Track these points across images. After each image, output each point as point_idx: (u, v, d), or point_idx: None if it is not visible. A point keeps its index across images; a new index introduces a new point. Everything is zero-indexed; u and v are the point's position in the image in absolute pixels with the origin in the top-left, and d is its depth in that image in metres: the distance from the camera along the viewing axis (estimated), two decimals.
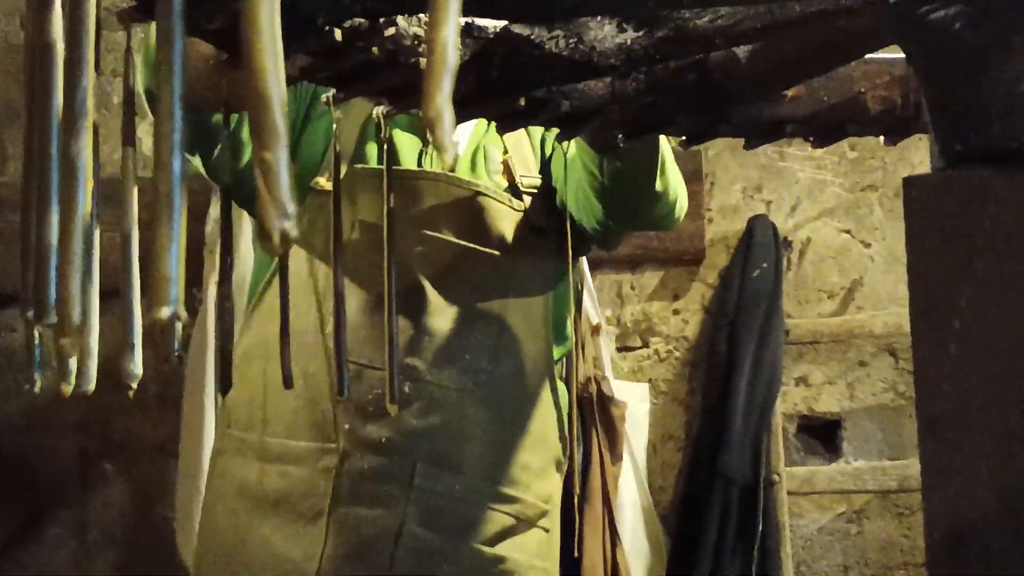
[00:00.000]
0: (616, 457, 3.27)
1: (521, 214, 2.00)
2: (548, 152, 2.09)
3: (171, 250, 0.72)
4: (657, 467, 3.42)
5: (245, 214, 3.22)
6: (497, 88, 1.30)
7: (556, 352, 2.09)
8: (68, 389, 0.98)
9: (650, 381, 3.46)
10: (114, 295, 1.12)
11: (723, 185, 3.49)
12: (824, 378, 3.39)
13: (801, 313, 3.41)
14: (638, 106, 1.45)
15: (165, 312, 0.77)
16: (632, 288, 3.51)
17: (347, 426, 1.93)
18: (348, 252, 1.94)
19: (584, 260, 3.29)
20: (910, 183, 1.35)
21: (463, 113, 1.26)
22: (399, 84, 1.29)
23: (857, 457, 3.36)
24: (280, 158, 0.69)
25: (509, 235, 1.98)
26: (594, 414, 3.24)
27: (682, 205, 2.00)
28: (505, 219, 1.99)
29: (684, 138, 1.57)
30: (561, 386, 2.10)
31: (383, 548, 1.92)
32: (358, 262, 1.94)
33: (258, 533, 1.96)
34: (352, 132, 2.00)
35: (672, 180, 1.94)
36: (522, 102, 1.34)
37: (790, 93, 1.52)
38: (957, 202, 1.30)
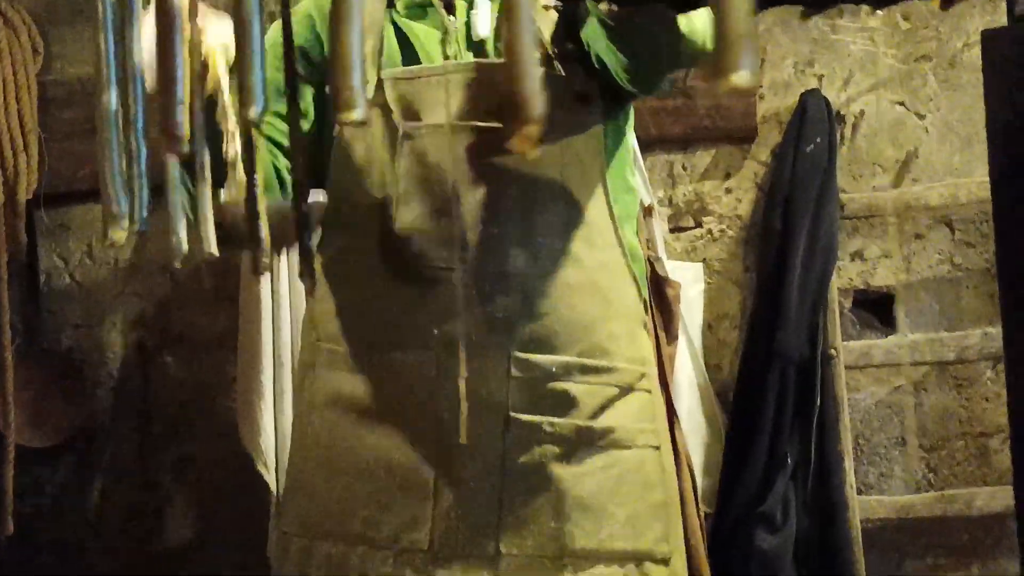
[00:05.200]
0: (671, 337, 3.27)
1: (561, 82, 1.97)
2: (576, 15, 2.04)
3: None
4: (713, 346, 3.43)
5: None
6: None
7: (626, 211, 2.08)
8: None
9: (704, 261, 3.45)
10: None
11: (774, 61, 3.44)
12: (880, 252, 3.38)
13: (856, 187, 3.38)
14: None
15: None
16: (684, 168, 3.49)
17: (436, 331, 1.93)
18: (408, 159, 1.94)
19: (635, 141, 3.27)
20: (988, 37, 1.33)
21: None
22: None
23: (914, 330, 3.35)
24: None
25: (553, 107, 1.96)
26: (648, 295, 3.23)
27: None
28: (546, 91, 1.97)
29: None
30: (634, 246, 2.08)
31: (494, 439, 1.94)
32: (411, 167, 1.94)
33: (365, 443, 1.97)
34: (375, 39, 1.98)
35: (697, 22, 1.92)
36: None
37: None
38: None
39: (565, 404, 1.96)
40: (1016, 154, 1.29)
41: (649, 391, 2.05)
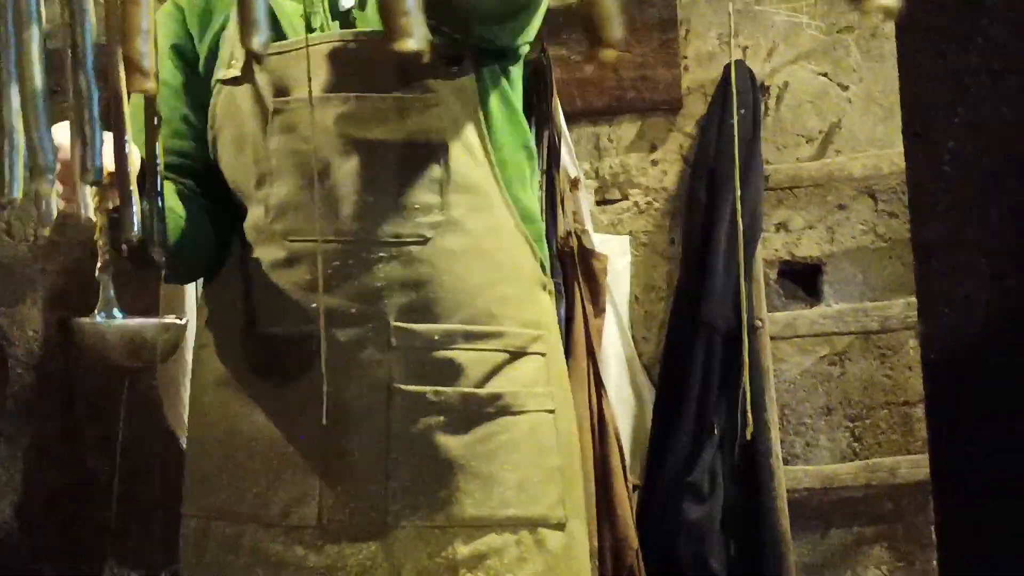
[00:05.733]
0: (599, 310, 3.28)
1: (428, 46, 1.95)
2: None
3: None
4: (640, 318, 3.44)
5: None
6: None
7: (519, 172, 2.06)
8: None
9: (630, 233, 3.46)
10: None
11: (699, 32, 3.44)
12: (804, 223, 3.40)
13: (780, 158, 3.39)
14: None
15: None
16: (609, 140, 3.48)
17: (313, 304, 1.91)
18: (278, 135, 1.92)
19: (560, 113, 3.26)
20: (902, 3, 1.33)
21: None
22: None
23: (838, 300, 3.38)
24: None
25: (424, 70, 1.94)
26: (575, 268, 3.24)
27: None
28: (413, 59, 1.94)
29: None
30: (528, 208, 2.06)
31: (378, 411, 1.92)
32: (281, 143, 1.93)
33: (252, 421, 1.96)
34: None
35: None
36: None
37: None
38: (949, 21, 1.28)
39: (450, 372, 1.94)
40: (927, 121, 1.29)
41: (543, 354, 2.02)
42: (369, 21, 1.97)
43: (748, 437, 3.16)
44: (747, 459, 3.21)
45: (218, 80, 1.98)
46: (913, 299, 3.18)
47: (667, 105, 3.43)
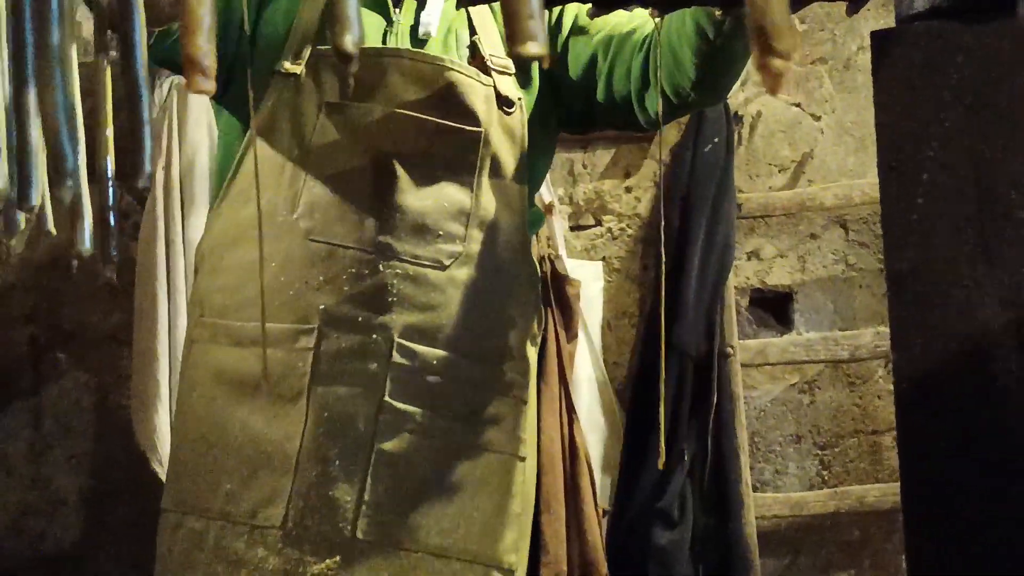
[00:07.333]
0: (571, 335, 3.29)
1: (490, 88, 1.98)
2: (564, 32, 2.05)
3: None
4: (612, 344, 3.45)
5: (194, 99, 3.18)
6: None
7: (535, 216, 2.09)
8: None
9: (603, 259, 3.47)
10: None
11: None
12: (776, 251, 3.42)
13: (752, 187, 3.42)
14: None
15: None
16: (584, 167, 3.50)
17: (322, 306, 1.92)
18: (316, 134, 1.93)
19: None
20: (878, 37, 1.35)
21: None
22: None
23: (809, 328, 3.40)
24: None
25: (478, 109, 1.97)
26: (548, 293, 3.25)
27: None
28: (473, 94, 1.97)
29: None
30: (533, 261, 2.09)
31: (367, 421, 1.92)
32: (326, 143, 1.93)
33: (236, 417, 1.95)
34: (314, 11, 1.98)
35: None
36: None
37: None
38: (925, 55, 1.31)
39: (441, 399, 1.95)
40: (903, 154, 1.31)
41: (525, 401, 2.04)
42: (439, 48, 1.99)
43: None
44: (716, 485, 3.22)
45: (277, 71, 1.95)
46: (883, 328, 3.22)
47: (641, 132, 3.45)
